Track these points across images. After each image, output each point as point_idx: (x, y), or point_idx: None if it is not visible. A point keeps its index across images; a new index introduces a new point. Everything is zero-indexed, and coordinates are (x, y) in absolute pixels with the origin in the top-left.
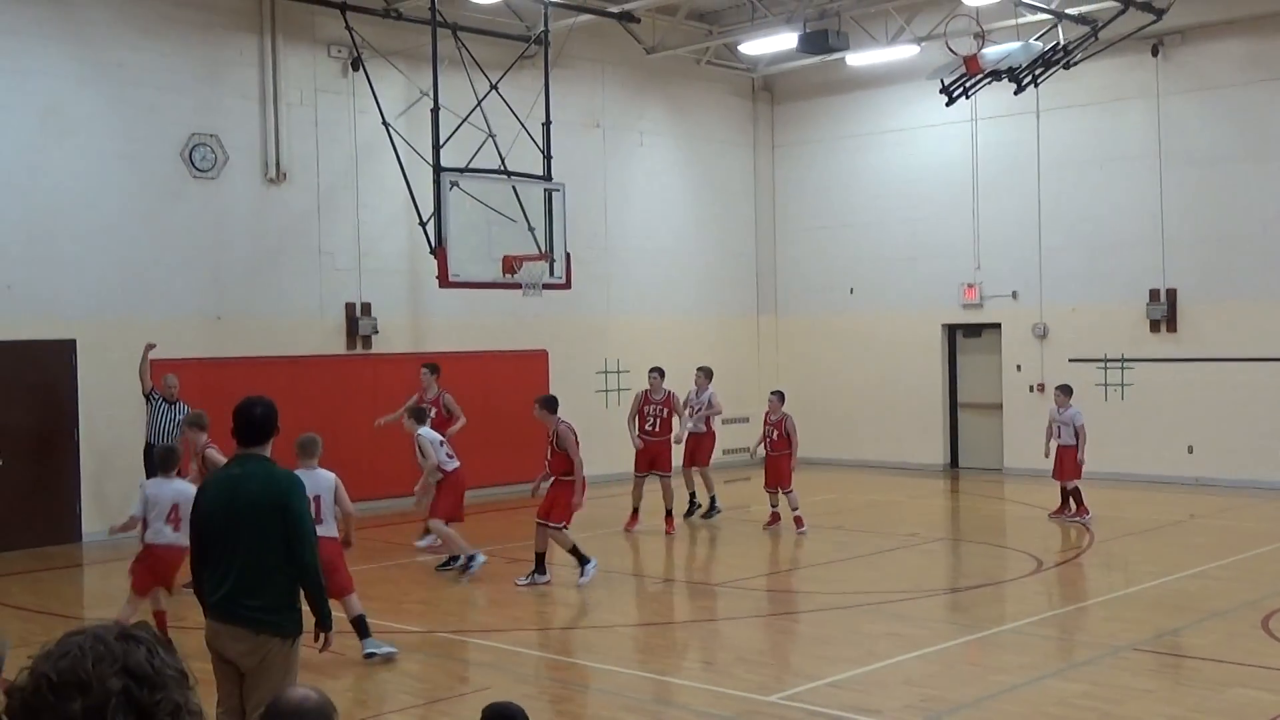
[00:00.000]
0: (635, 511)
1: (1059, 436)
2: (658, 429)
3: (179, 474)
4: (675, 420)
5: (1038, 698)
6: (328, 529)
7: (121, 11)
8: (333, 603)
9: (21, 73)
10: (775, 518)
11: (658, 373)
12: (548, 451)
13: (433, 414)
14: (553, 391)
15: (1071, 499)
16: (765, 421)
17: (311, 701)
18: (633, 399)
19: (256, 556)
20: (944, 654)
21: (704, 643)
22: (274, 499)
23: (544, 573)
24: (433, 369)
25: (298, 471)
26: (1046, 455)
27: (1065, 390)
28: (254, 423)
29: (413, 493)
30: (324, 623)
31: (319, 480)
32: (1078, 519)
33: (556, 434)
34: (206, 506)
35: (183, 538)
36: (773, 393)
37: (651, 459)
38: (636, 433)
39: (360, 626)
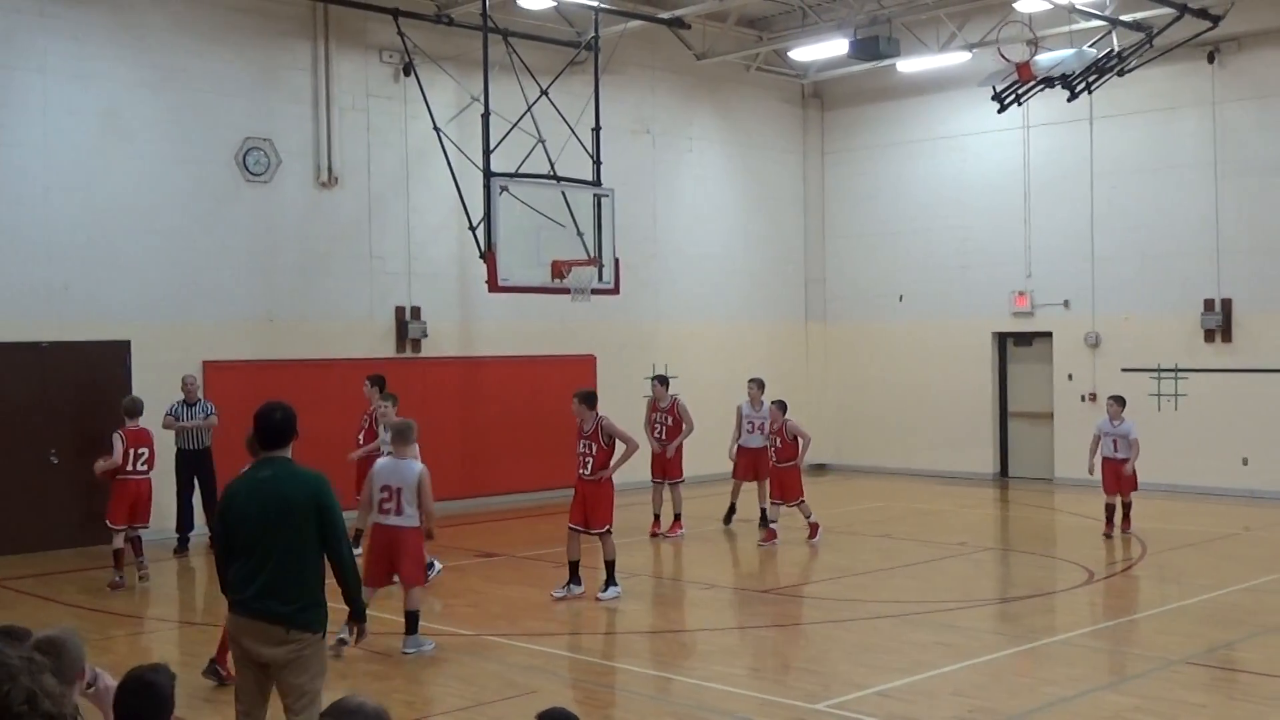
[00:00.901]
0: (656, 518)
1: (1115, 450)
2: (664, 436)
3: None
4: (683, 427)
5: (1088, 711)
6: (408, 519)
7: (180, 18)
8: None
9: (82, 77)
10: (772, 534)
11: (659, 380)
12: (586, 447)
13: (367, 425)
14: (600, 397)
15: (1126, 512)
16: (769, 431)
17: (370, 705)
18: (646, 407)
19: (291, 556)
20: (993, 665)
21: (751, 649)
22: (309, 499)
23: (579, 583)
24: (375, 381)
25: (390, 457)
26: (1091, 471)
27: (1120, 401)
28: (274, 427)
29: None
30: (359, 614)
31: (406, 471)
32: (1126, 532)
33: (601, 426)
34: (238, 509)
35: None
36: (772, 402)
37: (663, 466)
38: (651, 439)
39: (412, 622)
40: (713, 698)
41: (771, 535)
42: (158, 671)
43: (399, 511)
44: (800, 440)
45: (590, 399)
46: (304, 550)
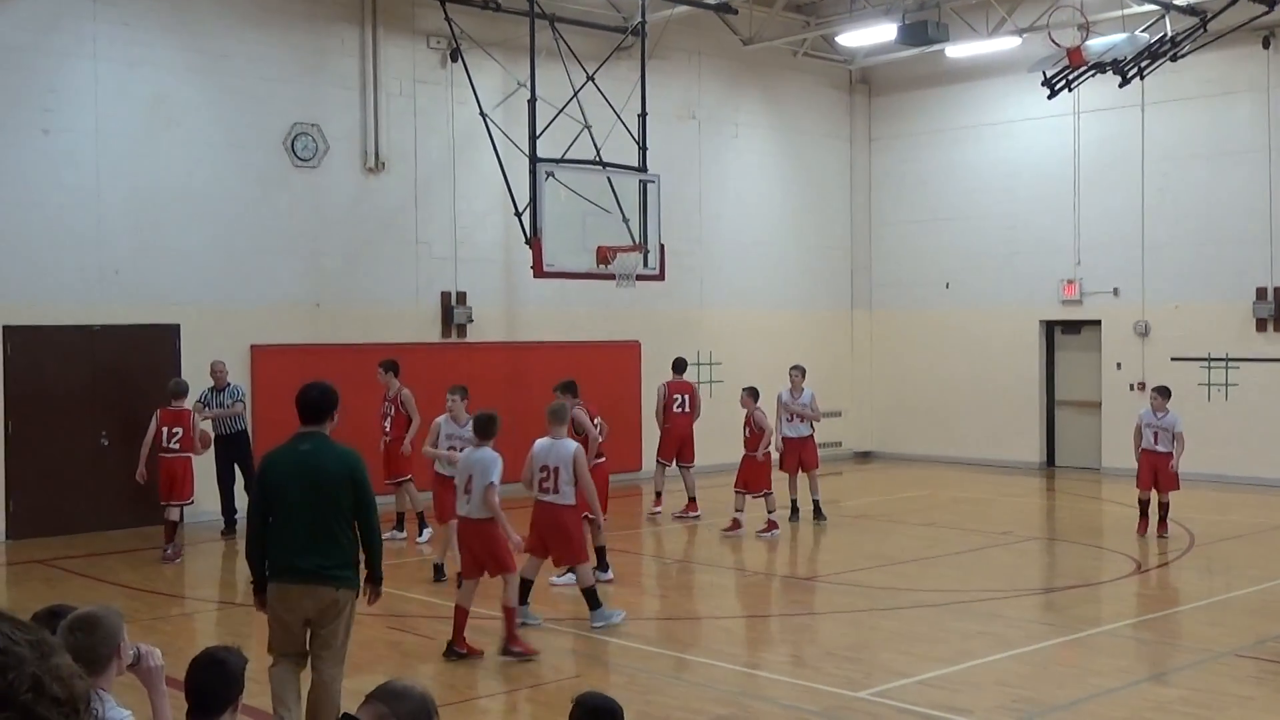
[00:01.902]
0: (658, 496)
1: (1155, 443)
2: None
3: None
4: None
5: (1134, 702)
6: (565, 497)
7: (228, 4)
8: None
9: (131, 63)
10: (736, 524)
11: (674, 365)
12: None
13: (391, 413)
14: (644, 383)
15: (1164, 513)
16: (745, 421)
17: (417, 688)
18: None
19: (333, 523)
20: (1037, 654)
21: (793, 637)
22: (347, 471)
23: (605, 570)
24: (388, 367)
25: (545, 438)
26: (1139, 464)
27: (1164, 393)
28: (312, 404)
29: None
30: (377, 579)
31: (562, 450)
32: (1163, 535)
33: (573, 419)
34: (278, 479)
35: (475, 509)
36: (744, 389)
37: (679, 449)
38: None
39: (591, 598)
40: (755, 684)
41: (736, 525)
42: (229, 652)
43: (556, 490)
44: (765, 432)
45: (574, 388)
46: (343, 518)
